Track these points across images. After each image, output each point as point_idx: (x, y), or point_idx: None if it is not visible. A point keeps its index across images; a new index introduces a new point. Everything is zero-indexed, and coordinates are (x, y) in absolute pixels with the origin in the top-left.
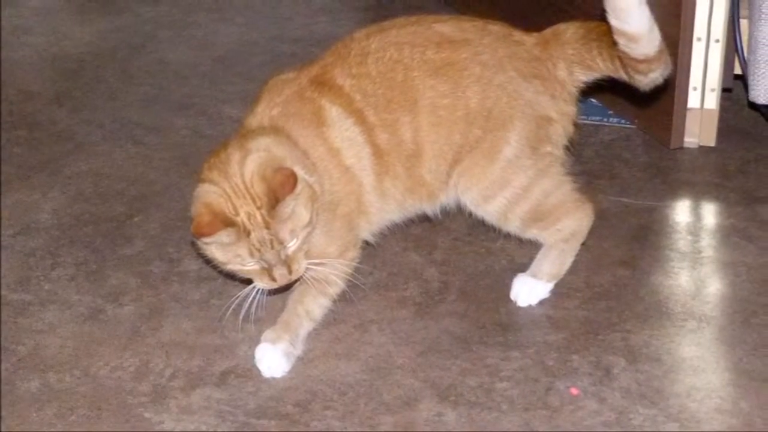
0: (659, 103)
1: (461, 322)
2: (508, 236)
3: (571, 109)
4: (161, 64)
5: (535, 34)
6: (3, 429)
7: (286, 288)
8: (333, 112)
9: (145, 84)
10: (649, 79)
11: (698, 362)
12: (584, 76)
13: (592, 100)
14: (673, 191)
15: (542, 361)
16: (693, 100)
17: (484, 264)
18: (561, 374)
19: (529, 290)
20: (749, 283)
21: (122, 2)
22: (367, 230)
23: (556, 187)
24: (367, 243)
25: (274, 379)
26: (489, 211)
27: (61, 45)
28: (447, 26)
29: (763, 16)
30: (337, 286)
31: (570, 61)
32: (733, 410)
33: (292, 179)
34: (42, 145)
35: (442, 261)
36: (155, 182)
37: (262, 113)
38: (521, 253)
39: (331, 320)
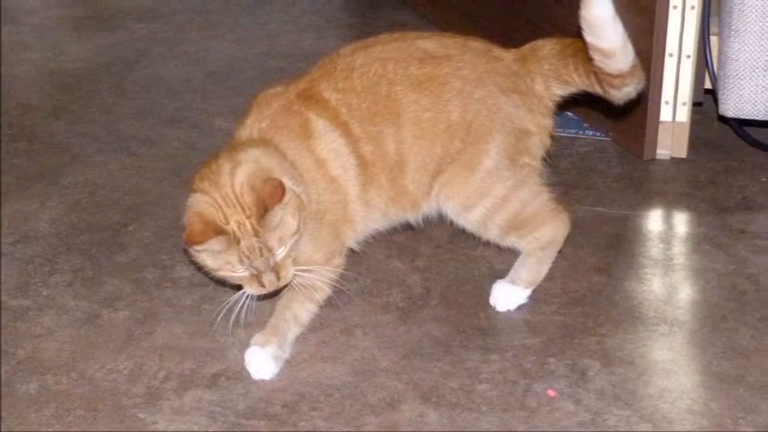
0: (633, 116)
1: (443, 327)
2: (487, 244)
3: (548, 122)
4: (154, 79)
5: (513, 50)
6: (3, 429)
7: (275, 294)
8: (320, 124)
9: (139, 98)
10: (623, 93)
11: (670, 365)
12: (561, 91)
13: (569, 113)
14: (646, 201)
15: (520, 364)
16: (665, 114)
17: (464, 271)
18: (538, 376)
19: (507, 296)
20: (719, 289)
21: (117, 19)
22: (352, 238)
23: (533, 197)
24: (352, 250)
25: (263, 381)
26: (469, 219)
27: (58, 60)
28: (429, 42)
29: (732, 33)
30: (323, 291)
31: (547, 76)
32: (703, 411)
33: (280, 189)
34: (40, 156)
35: (424, 268)
36: (149, 192)
37: (252, 126)
38: (500, 260)
39: (317, 325)
